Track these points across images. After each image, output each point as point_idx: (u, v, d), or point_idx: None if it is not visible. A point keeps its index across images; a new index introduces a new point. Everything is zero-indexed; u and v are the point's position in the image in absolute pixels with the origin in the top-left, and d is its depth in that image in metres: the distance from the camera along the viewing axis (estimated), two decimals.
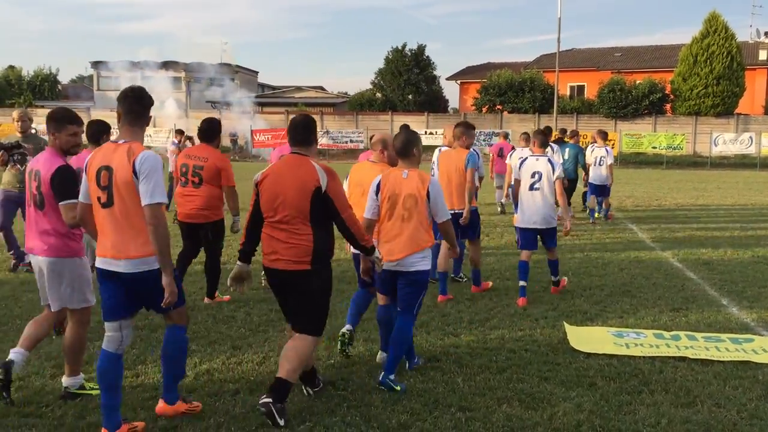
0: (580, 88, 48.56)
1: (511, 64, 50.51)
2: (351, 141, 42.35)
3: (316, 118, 47.53)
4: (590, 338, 6.03)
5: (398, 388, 4.87)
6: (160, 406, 4.43)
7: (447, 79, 54.95)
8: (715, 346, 5.82)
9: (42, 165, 4.69)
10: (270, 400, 4.27)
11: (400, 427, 4.30)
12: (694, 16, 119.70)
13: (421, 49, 50.91)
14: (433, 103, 50.41)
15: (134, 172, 3.99)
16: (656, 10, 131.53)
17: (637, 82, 41.58)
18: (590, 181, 13.88)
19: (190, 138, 16.73)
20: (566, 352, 5.71)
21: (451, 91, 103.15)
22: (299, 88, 61.59)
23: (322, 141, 42.64)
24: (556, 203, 7.60)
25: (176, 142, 16.10)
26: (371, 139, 5.93)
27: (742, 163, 36.99)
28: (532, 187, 7.45)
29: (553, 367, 5.37)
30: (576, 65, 48.90)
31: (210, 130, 7.30)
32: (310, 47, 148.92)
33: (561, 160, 12.38)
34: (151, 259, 4.06)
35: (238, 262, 4.66)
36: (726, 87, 38.94)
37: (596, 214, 13.88)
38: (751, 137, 37.81)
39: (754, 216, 15.48)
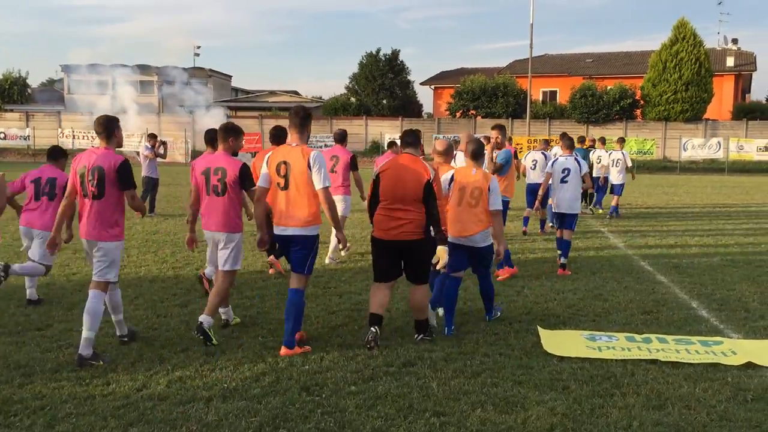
0: (553, 93, 49.06)
1: (485, 69, 50.86)
2: (325, 146, 42.21)
3: None
4: (564, 342, 6.08)
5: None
6: (283, 350, 5.76)
7: (421, 84, 55.19)
8: (685, 348, 5.90)
9: (226, 164, 6.17)
10: (420, 335, 6.17)
11: None
12: (664, 23, 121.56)
13: (396, 53, 51.06)
14: (407, 108, 50.53)
15: (308, 165, 5.65)
16: (627, 17, 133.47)
17: (608, 87, 42.11)
18: (612, 181, 16.12)
19: (164, 143, 16.59)
20: (540, 356, 5.75)
21: (425, 95, 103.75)
22: (273, 93, 61.35)
23: None
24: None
25: (149, 146, 15.95)
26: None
27: (711, 167, 37.65)
28: (562, 180, 9.37)
29: (527, 370, 5.40)
30: (548, 71, 49.42)
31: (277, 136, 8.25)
32: (283, 51, 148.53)
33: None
34: (310, 228, 5.77)
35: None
36: (695, 93, 39.61)
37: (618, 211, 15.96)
38: (719, 142, 38.51)
39: (722, 220, 15.75)
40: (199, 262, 9.74)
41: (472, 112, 44.79)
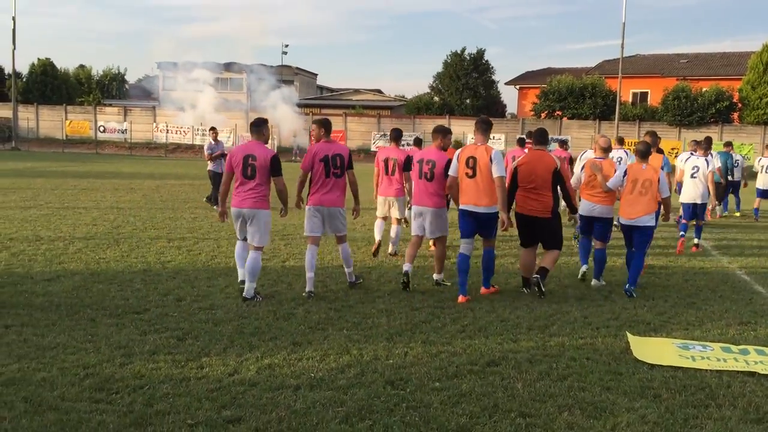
0: (644, 95, 47.54)
1: (572, 69, 49.78)
2: (408, 144, 42.37)
3: (373, 120, 47.83)
4: (654, 349, 5.90)
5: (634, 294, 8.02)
6: (482, 290, 7.93)
7: (506, 83, 54.60)
8: None
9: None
10: (538, 276, 7.81)
11: (459, 430, 4.29)
12: (764, 23, 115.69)
13: (481, 53, 50.68)
14: (490, 108, 50.05)
15: (490, 160, 7.47)
16: (724, 17, 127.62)
17: (704, 89, 40.45)
18: (757, 186, 16.71)
19: (224, 154, 16.64)
20: (629, 363, 5.60)
21: (509, 96, 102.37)
22: (357, 91, 62.02)
23: (379, 143, 42.80)
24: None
25: (214, 142, 16.04)
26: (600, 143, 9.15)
27: None
28: (692, 176, 11.29)
29: (616, 376, 5.27)
30: (639, 71, 47.87)
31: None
32: (368, 50, 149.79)
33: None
34: (492, 207, 7.57)
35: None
36: None
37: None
38: None
39: None
40: (285, 255, 9.97)
41: (558, 112, 43.95)
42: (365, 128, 46.99)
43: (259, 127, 7.48)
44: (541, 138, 8.06)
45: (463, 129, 42.99)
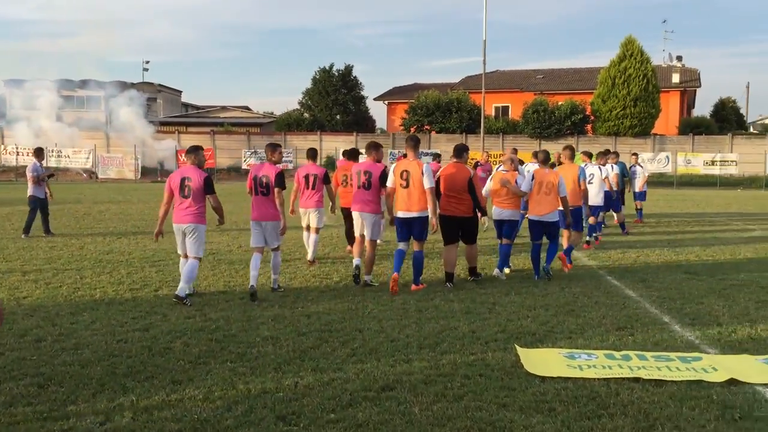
0: (505, 109, 49.69)
1: (438, 84, 51.27)
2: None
3: (243, 138, 46.87)
4: (543, 361, 5.94)
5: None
6: (413, 287, 8.91)
7: (375, 99, 55.32)
8: (666, 365, 5.82)
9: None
10: (473, 277, 9.63)
11: None
12: (611, 40, 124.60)
13: (349, 69, 51.12)
14: (360, 123, 50.54)
15: (422, 173, 8.69)
16: (575, 35, 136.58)
17: (559, 103, 42.81)
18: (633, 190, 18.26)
19: (51, 175, 15.75)
20: (521, 376, 5.59)
21: (378, 111, 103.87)
22: (224, 108, 60.70)
23: (250, 161, 41.95)
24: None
25: (38, 164, 14.87)
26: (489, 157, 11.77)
27: (660, 181, 38.44)
28: (589, 182, 12.37)
29: (510, 392, 5.23)
30: (500, 87, 50.06)
31: (353, 152, 11.83)
32: (234, 67, 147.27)
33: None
34: (422, 212, 8.82)
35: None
36: (643, 108, 40.58)
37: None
38: (667, 156, 39.48)
39: (678, 233, 16.00)
40: (157, 283, 9.36)
41: (426, 127, 44.99)
42: (235, 146, 45.95)
43: (194, 152, 8.49)
44: (459, 153, 9.47)
45: (335, 144, 43.09)
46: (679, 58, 51.24)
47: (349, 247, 11.77)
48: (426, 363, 5.94)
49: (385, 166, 9.55)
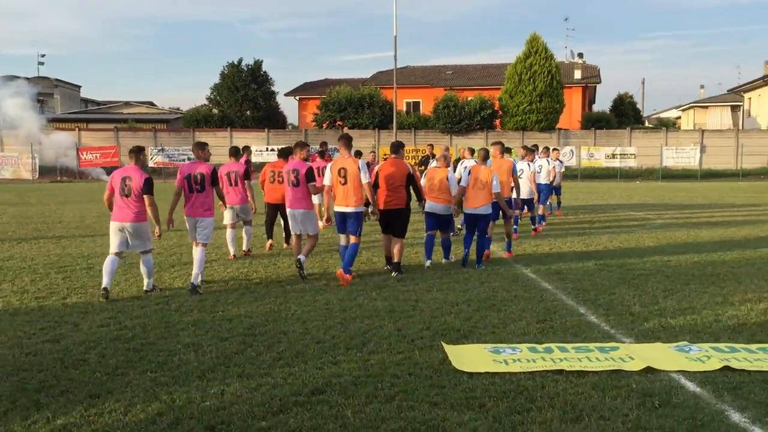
0: (416, 104, 50.26)
1: (349, 80, 51.23)
2: (189, 159, 40.68)
3: (149, 135, 45.35)
4: (470, 357, 6.01)
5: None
6: (346, 276, 9.19)
7: (285, 94, 54.82)
8: (586, 356, 6.01)
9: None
10: (396, 272, 9.82)
11: None
12: (517, 37, 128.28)
13: (258, 64, 50.33)
14: (271, 119, 49.89)
15: (359, 169, 9.29)
16: (482, 31, 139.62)
17: (469, 98, 43.66)
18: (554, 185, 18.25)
19: None
20: (450, 374, 5.64)
21: (289, 106, 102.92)
22: (128, 104, 58.67)
23: (158, 159, 40.67)
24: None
25: None
26: (428, 155, 13.71)
27: (566, 174, 39.71)
28: (519, 177, 13.15)
29: (440, 390, 5.26)
30: (411, 82, 50.55)
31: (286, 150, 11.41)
32: (136, 61, 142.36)
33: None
34: (358, 207, 9.45)
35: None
36: (548, 104, 41.96)
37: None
38: (572, 150, 40.99)
39: (585, 224, 16.61)
40: (64, 290, 8.90)
41: (338, 123, 44.90)
42: (141, 143, 44.24)
43: (136, 153, 8.74)
44: (396, 149, 10.27)
45: (245, 141, 42.30)
46: (581, 55, 53.27)
47: (270, 241, 12.54)
48: (354, 364, 5.89)
49: (309, 165, 9.94)
